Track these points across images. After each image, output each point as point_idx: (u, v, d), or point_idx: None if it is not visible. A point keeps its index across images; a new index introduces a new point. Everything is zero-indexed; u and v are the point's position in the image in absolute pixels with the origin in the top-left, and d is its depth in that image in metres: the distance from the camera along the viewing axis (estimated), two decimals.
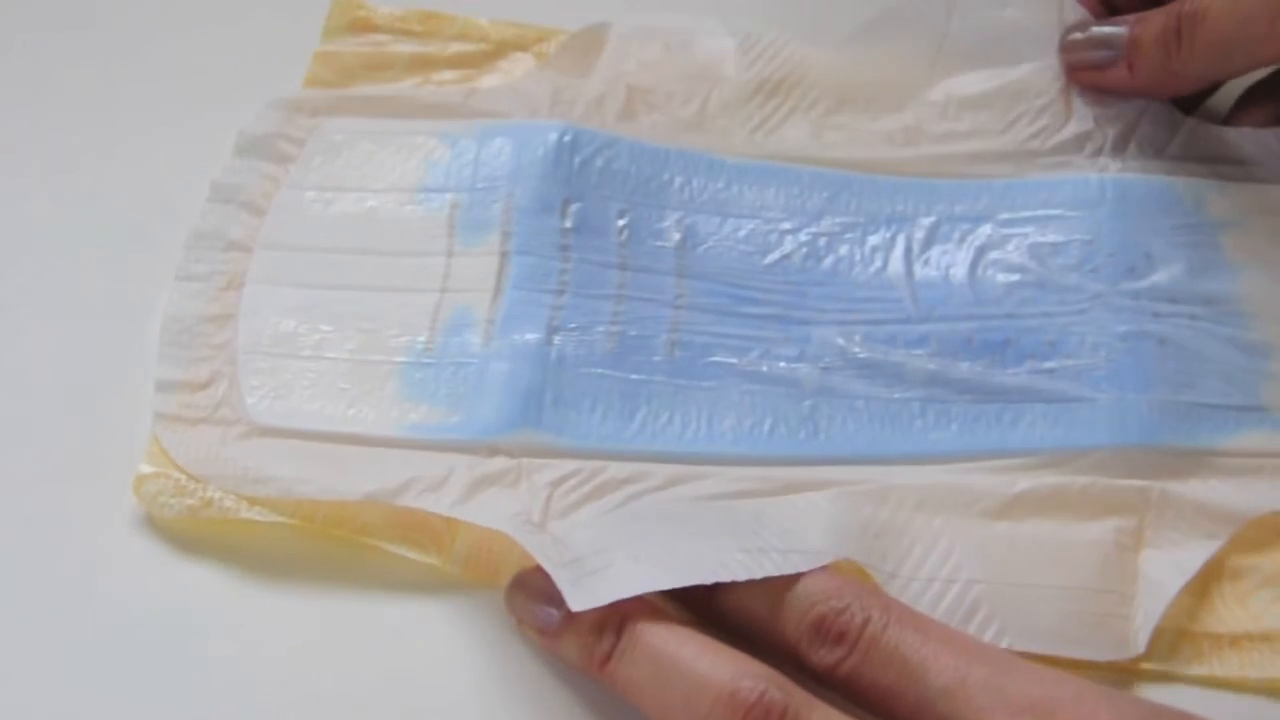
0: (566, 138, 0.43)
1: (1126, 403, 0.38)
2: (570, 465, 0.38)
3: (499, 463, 0.38)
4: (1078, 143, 0.44)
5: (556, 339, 0.40)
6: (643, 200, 0.43)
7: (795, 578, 0.33)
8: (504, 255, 0.41)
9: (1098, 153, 0.44)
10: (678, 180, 0.43)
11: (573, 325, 0.40)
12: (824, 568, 0.34)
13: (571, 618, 0.34)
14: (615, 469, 0.38)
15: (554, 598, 0.34)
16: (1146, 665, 0.35)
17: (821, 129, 0.45)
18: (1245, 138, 0.43)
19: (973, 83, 0.45)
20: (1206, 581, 0.37)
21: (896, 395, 0.39)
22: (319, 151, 0.44)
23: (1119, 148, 0.44)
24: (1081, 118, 0.44)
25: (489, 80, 0.46)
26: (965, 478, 0.38)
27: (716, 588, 0.34)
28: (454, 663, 0.36)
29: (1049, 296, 0.41)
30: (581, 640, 0.34)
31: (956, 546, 0.36)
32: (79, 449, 0.39)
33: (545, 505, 0.37)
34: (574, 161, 0.43)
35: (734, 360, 0.40)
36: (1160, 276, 0.41)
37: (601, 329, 0.40)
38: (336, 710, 0.35)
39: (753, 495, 0.37)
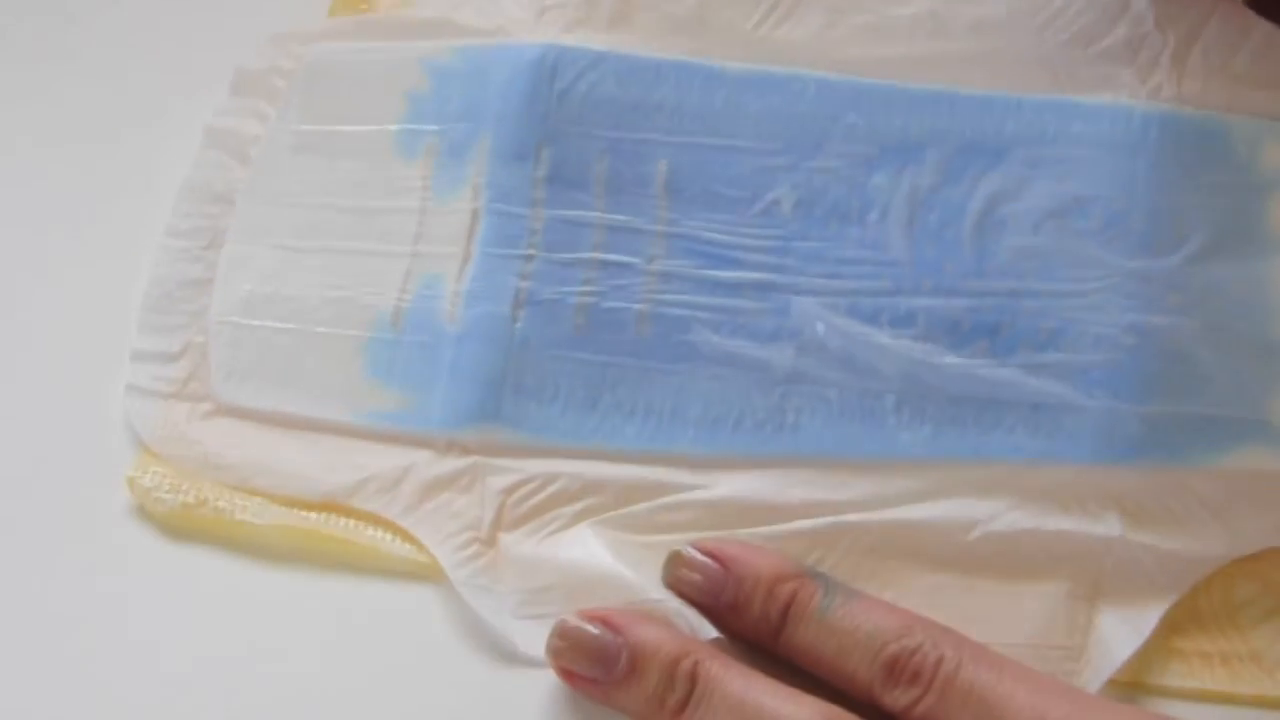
0: (549, 59, 0.40)
1: (1117, 414, 0.36)
2: (525, 469, 0.37)
3: (454, 462, 0.38)
4: (1130, 49, 0.38)
5: (522, 314, 0.38)
6: (627, 133, 0.40)
7: (862, 616, 0.33)
8: (475, 212, 0.40)
9: (1153, 64, 0.38)
10: (668, 103, 0.40)
11: (541, 297, 0.39)
12: (887, 602, 0.34)
13: (635, 666, 0.33)
14: (569, 478, 0.37)
15: (607, 649, 0.34)
16: (1139, 680, 0.35)
17: (836, 16, 0.40)
18: None
19: None
20: (1195, 596, 0.36)
21: (871, 385, 0.37)
22: (304, 86, 0.42)
23: (1179, 57, 0.38)
24: (1140, 6, 0.38)
25: None
26: (927, 513, 0.36)
27: (782, 628, 0.34)
28: (448, 651, 0.37)
29: (1058, 271, 0.37)
30: (650, 689, 0.33)
31: (902, 599, 0.35)
32: (76, 439, 0.40)
33: (497, 515, 0.37)
34: (553, 90, 0.40)
35: (706, 337, 0.38)
36: (1186, 254, 0.37)
37: (571, 301, 0.39)
38: (335, 697, 0.36)
39: (705, 525, 0.36)
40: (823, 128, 0.39)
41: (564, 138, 0.40)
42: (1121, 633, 0.35)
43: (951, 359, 0.37)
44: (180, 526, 0.39)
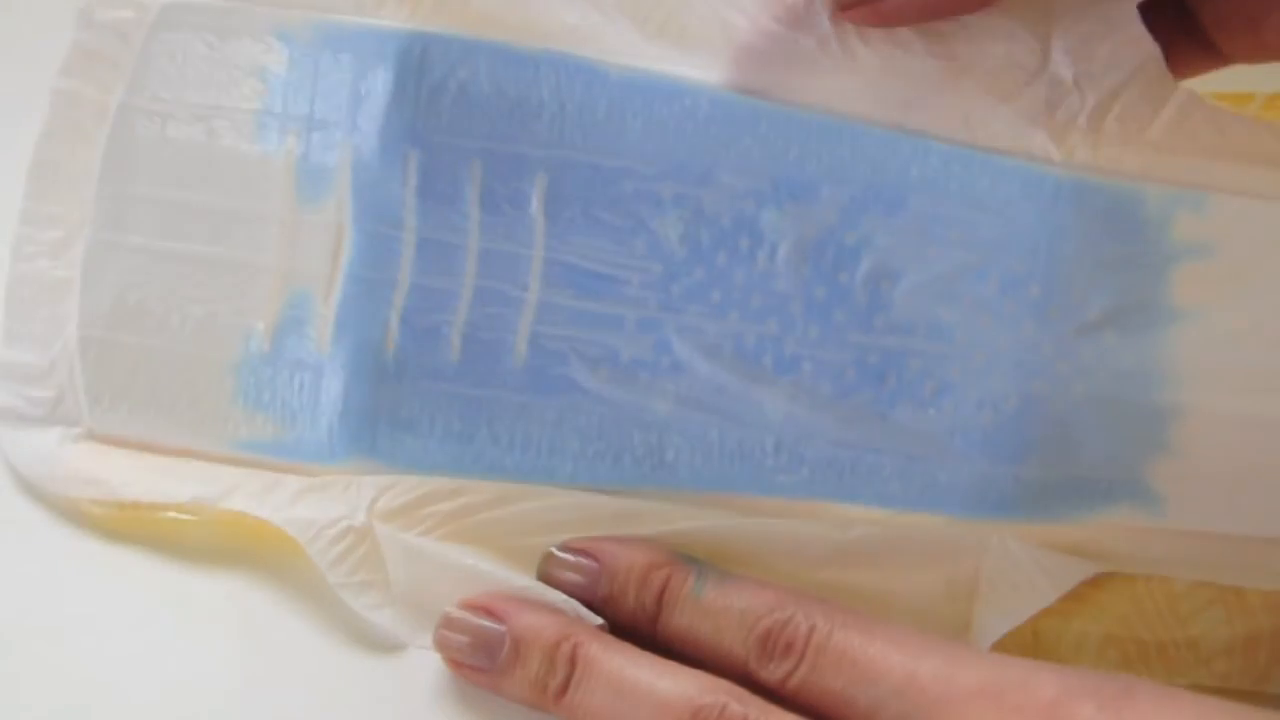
0: (416, 49, 0.36)
1: (992, 476, 0.36)
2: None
3: (328, 479, 0.37)
4: (1048, 108, 0.35)
5: (395, 342, 0.37)
6: (503, 142, 0.37)
7: (735, 596, 0.34)
8: (340, 227, 0.37)
9: (1069, 124, 0.35)
10: (548, 109, 0.36)
11: (414, 324, 0.37)
12: (760, 581, 0.34)
13: (518, 653, 0.34)
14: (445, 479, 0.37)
15: (490, 638, 0.35)
16: None
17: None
18: (1241, 129, 0.35)
19: None
20: (1134, 583, 0.36)
21: (752, 427, 0.37)
22: (156, 53, 0.38)
23: (1095, 120, 0.35)
24: (1059, 66, 0.35)
25: None
26: (800, 527, 0.36)
27: (659, 615, 0.34)
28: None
29: (949, 332, 0.36)
30: (533, 674, 0.34)
31: None
32: None
33: (370, 504, 0.37)
34: (421, 90, 0.36)
35: (586, 371, 0.37)
36: (1080, 324, 0.36)
37: (447, 328, 0.37)
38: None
39: (578, 528, 0.37)
40: (713, 154, 0.36)
41: (434, 147, 0.36)
42: (999, 628, 0.36)
43: (833, 407, 0.36)
44: (118, 529, 0.38)
